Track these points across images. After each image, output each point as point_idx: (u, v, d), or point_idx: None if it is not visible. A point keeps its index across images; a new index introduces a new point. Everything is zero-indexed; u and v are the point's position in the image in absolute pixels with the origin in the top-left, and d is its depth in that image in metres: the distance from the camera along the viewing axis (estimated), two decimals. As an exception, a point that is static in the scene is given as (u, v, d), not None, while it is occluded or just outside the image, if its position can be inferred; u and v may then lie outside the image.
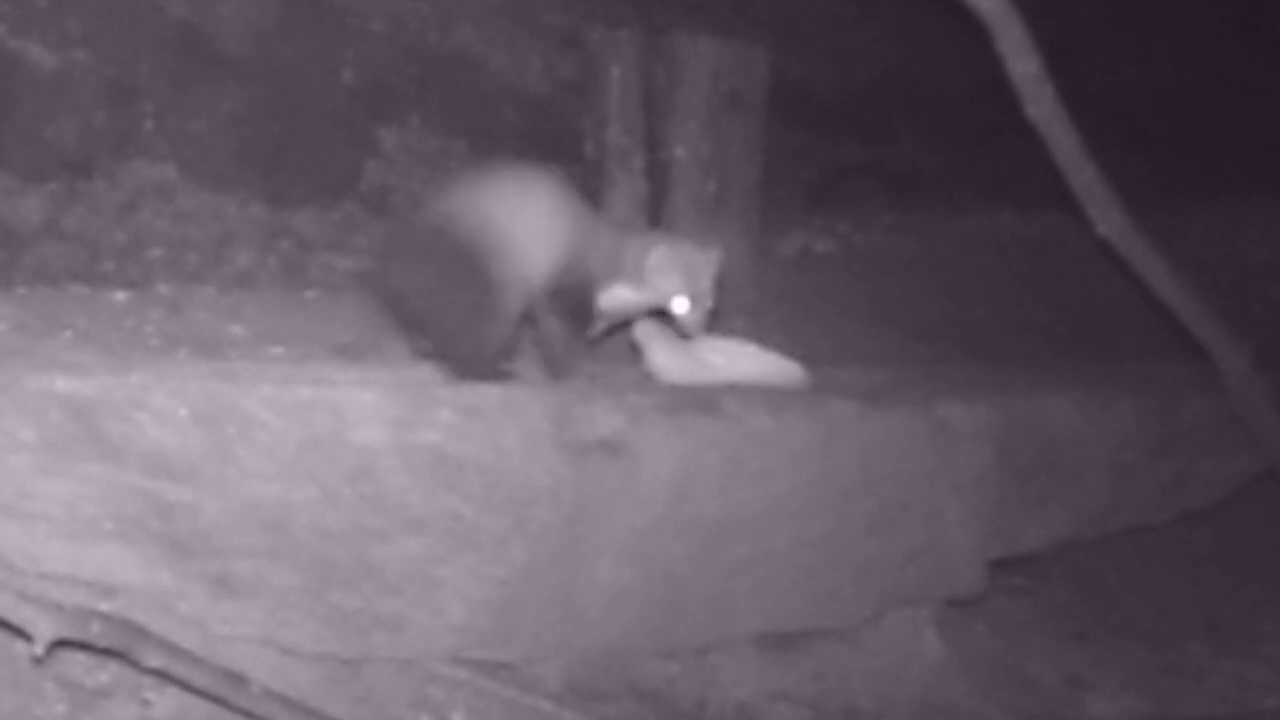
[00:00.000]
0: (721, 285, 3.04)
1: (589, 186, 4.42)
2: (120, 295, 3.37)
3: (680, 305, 2.97)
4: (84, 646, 2.38)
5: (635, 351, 3.16)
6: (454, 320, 2.86)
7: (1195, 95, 6.48)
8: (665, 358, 3.09)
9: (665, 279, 2.96)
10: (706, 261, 2.99)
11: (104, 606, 2.45)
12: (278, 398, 2.60)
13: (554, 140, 5.18)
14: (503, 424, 2.75)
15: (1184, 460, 3.72)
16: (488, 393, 2.79)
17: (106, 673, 2.59)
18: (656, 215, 4.25)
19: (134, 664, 2.40)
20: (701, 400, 2.97)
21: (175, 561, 2.57)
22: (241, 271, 4.40)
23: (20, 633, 2.34)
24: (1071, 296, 4.87)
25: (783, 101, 4.64)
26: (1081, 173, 3.28)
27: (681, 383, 3.07)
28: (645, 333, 3.11)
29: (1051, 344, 4.56)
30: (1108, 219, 3.33)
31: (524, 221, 2.90)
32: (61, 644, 2.35)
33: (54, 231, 4.34)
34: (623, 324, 3.14)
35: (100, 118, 4.59)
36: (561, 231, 2.95)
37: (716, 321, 3.13)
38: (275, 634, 2.68)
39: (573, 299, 2.99)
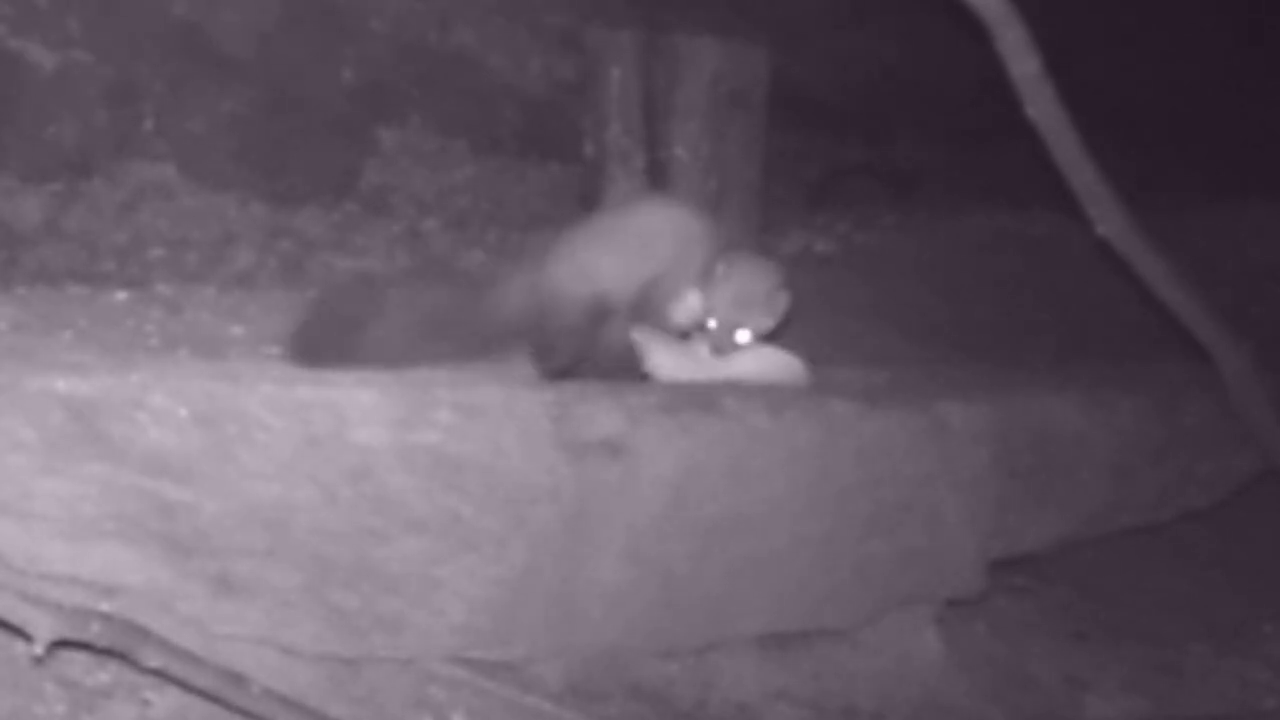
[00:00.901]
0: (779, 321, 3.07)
1: (589, 186, 4.43)
2: (120, 295, 3.37)
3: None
4: (84, 646, 2.38)
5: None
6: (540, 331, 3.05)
7: (1195, 95, 6.48)
8: (665, 356, 3.09)
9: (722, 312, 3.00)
10: (772, 302, 3.03)
11: (104, 606, 2.45)
12: (278, 398, 2.60)
13: (554, 140, 5.19)
14: (503, 424, 2.75)
15: (1184, 460, 3.72)
16: (488, 393, 2.79)
17: (106, 673, 2.59)
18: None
19: (134, 664, 2.40)
20: (701, 400, 2.97)
21: (175, 561, 2.57)
22: (241, 271, 4.41)
23: (20, 633, 2.34)
24: (1071, 296, 4.86)
25: (783, 101, 4.64)
26: (1081, 173, 3.27)
27: (681, 381, 3.06)
28: (645, 332, 3.11)
29: (1051, 344, 4.56)
30: (1108, 219, 3.33)
31: (615, 252, 3.06)
32: (61, 644, 2.35)
33: (54, 231, 4.35)
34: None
35: (100, 118, 4.60)
36: (647, 259, 3.04)
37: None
38: (275, 634, 2.68)
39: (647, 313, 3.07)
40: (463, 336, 3.06)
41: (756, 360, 3.12)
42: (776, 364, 3.15)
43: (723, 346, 3.02)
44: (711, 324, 3.00)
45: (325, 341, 2.99)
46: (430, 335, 3.04)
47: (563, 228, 3.24)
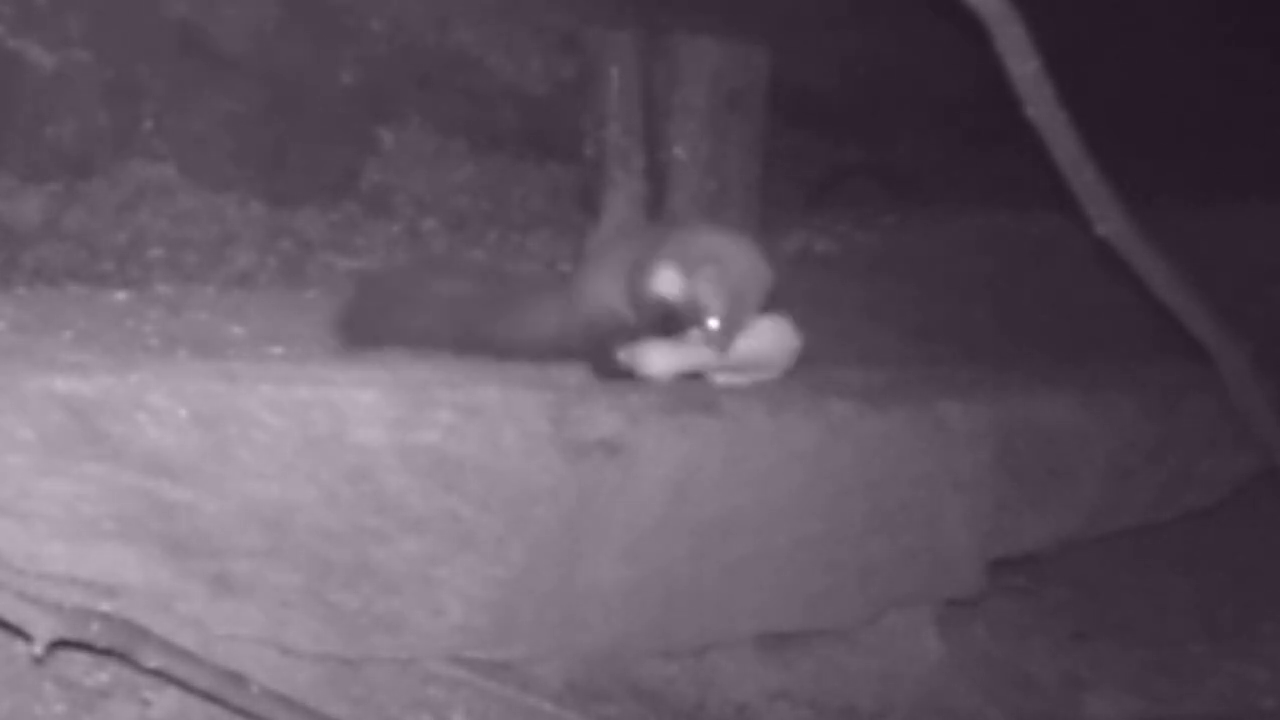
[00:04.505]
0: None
1: (589, 186, 4.43)
2: (120, 295, 3.37)
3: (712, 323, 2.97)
4: (84, 646, 2.38)
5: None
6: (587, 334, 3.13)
7: (1195, 95, 6.47)
8: (656, 354, 3.06)
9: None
10: (762, 284, 3.00)
11: (104, 606, 2.45)
12: (278, 398, 2.60)
13: (554, 140, 5.19)
14: (502, 424, 2.75)
15: (1183, 460, 3.72)
16: (487, 393, 2.79)
17: (106, 673, 2.59)
18: (656, 215, 4.25)
19: (134, 664, 2.40)
20: (701, 400, 2.97)
21: (175, 561, 2.57)
22: (241, 271, 4.40)
23: (20, 633, 2.34)
24: (1071, 296, 4.86)
25: (783, 101, 4.64)
26: (1081, 173, 3.27)
27: (669, 369, 3.02)
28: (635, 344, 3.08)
29: (1051, 344, 4.55)
30: (1108, 219, 3.33)
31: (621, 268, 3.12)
32: (61, 644, 2.35)
33: (54, 231, 4.34)
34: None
35: (100, 118, 4.59)
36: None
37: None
38: (275, 634, 2.68)
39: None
40: (502, 341, 3.16)
41: (746, 337, 3.07)
42: (765, 331, 3.08)
43: (726, 344, 2.99)
44: (713, 325, 2.96)
45: (373, 322, 3.15)
46: (471, 332, 3.16)
47: (572, 233, 3.34)
